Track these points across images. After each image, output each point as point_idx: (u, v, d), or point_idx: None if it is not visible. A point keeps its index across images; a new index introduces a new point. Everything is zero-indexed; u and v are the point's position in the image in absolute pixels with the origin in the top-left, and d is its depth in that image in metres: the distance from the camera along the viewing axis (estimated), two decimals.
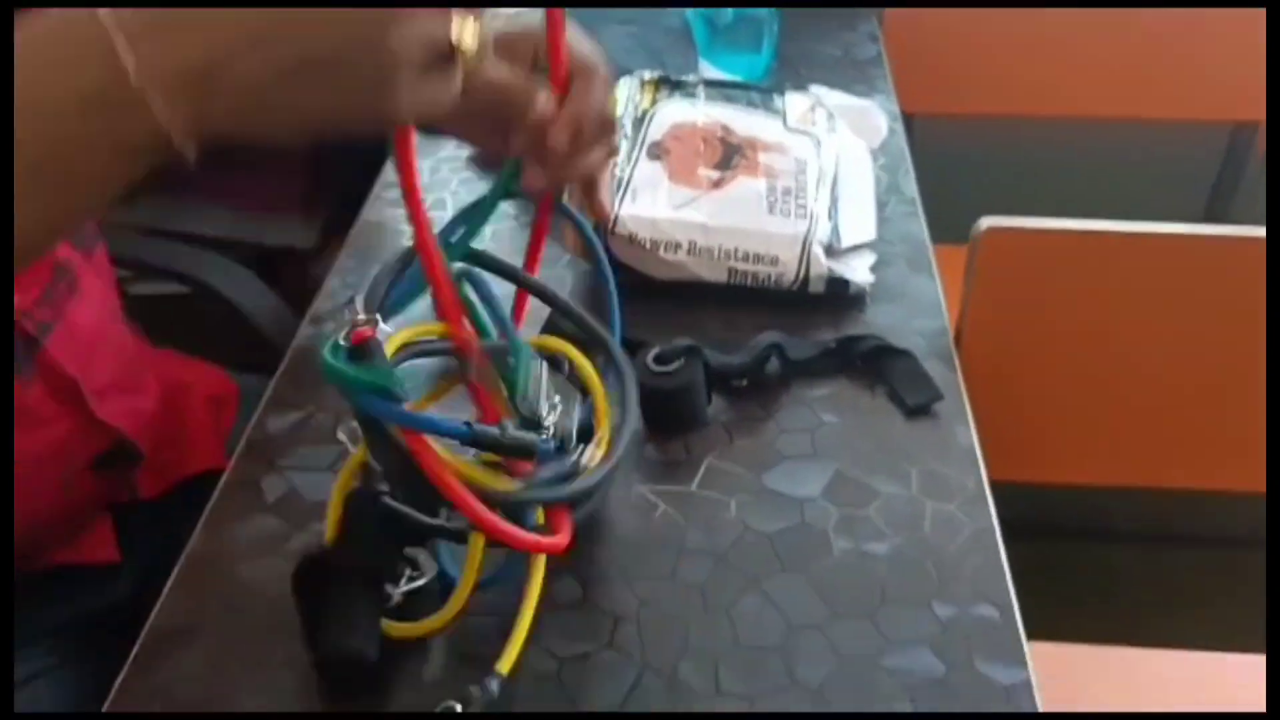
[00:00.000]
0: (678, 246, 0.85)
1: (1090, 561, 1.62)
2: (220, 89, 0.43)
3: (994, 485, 0.72)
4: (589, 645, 0.62)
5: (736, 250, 0.85)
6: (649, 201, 0.87)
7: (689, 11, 1.18)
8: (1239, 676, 0.97)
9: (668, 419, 0.76)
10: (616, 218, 0.85)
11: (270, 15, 0.43)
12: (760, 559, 0.67)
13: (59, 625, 0.79)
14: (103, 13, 0.41)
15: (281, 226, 1.39)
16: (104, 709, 0.60)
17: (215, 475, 0.84)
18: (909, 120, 1.29)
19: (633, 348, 0.79)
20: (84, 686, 0.77)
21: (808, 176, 0.90)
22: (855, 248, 0.89)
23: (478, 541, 0.59)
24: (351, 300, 0.55)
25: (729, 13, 1.16)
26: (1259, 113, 1.46)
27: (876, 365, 0.80)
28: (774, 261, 0.85)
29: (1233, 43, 1.42)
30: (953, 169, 1.39)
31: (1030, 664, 0.61)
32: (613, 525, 0.69)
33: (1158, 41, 1.43)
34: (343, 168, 1.47)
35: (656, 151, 0.91)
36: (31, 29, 0.43)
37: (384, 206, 1.02)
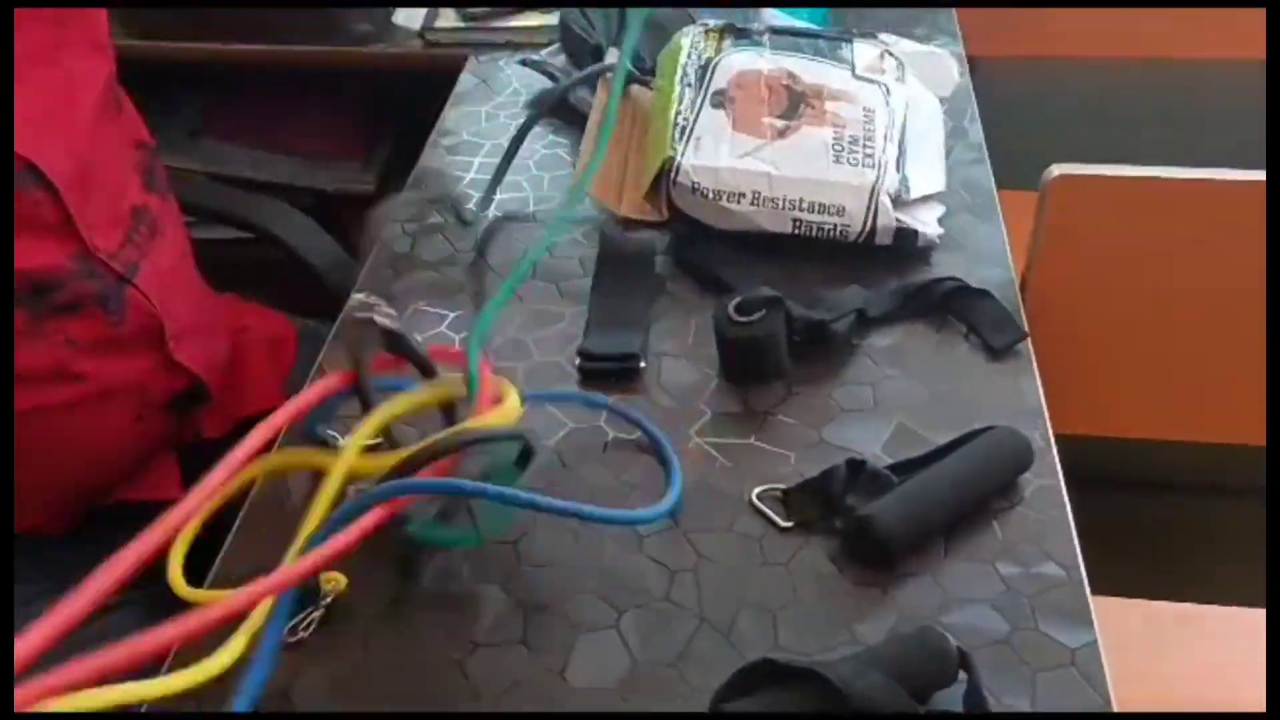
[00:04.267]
0: (741, 196, 0.84)
1: (1143, 514, 1.60)
2: None
3: (1057, 437, 0.71)
4: (645, 598, 0.62)
5: (801, 201, 0.83)
6: (712, 150, 0.85)
7: None
8: None
9: (746, 369, 0.75)
10: (678, 167, 0.84)
11: None
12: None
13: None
14: None
15: (339, 173, 1.39)
16: (207, 580, 0.61)
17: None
18: (974, 64, 1.25)
19: (719, 287, 0.78)
20: (154, 615, 0.79)
21: (875, 125, 0.88)
22: (923, 199, 0.86)
23: None
24: None
25: None
26: None
27: (956, 308, 0.78)
28: (840, 212, 0.83)
29: None
30: (1018, 113, 1.35)
31: (1097, 625, 0.60)
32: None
33: None
34: (399, 115, 1.47)
35: (720, 100, 0.89)
36: None
37: (442, 154, 1.02)
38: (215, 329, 0.87)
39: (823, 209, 0.84)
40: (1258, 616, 0.97)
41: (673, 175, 0.84)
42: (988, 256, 0.85)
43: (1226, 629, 0.96)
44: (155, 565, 0.82)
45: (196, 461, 0.85)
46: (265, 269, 1.14)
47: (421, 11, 1.23)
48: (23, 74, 0.68)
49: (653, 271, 0.84)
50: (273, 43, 1.28)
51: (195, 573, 0.63)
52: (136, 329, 0.77)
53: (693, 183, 0.84)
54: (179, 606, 0.64)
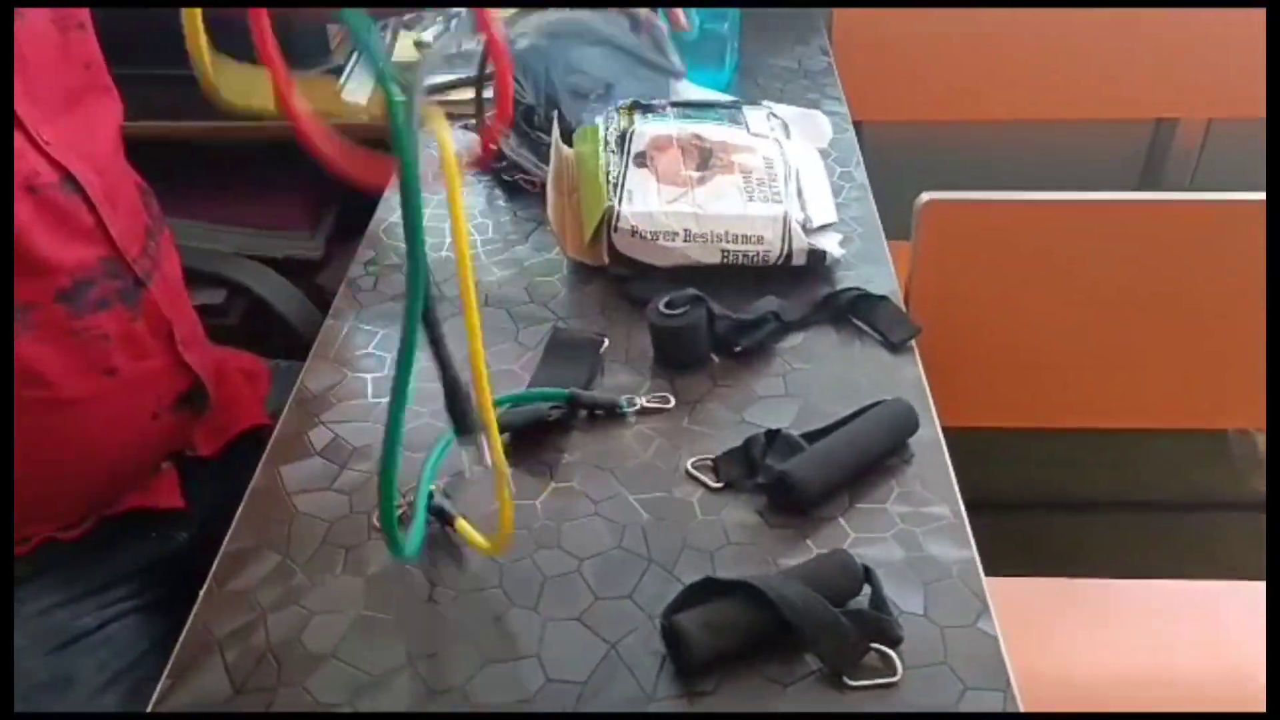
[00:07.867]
0: (675, 235, 0.97)
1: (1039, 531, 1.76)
2: None
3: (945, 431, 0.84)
4: (603, 547, 0.73)
5: (727, 233, 0.97)
6: (643, 199, 0.98)
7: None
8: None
9: (676, 355, 0.89)
10: (618, 215, 0.97)
11: None
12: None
13: (136, 568, 0.91)
14: None
15: (289, 241, 1.50)
16: (191, 614, 0.70)
17: (258, 431, 0.97)
18: (859, 126, 1.42)
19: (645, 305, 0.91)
20: (161, 623, 0.88)
21: (776, 170, 1.03)
22: (823, 227, 1.01)
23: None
24: None
25: (695, 30, 1.29)
26: (1179, 110, 1.62)
27: (859, 312, 0.93)
28: (760, 240, 0.97)
29: (1153, 43, 1.57)
30: (898, 170, 1.53)
31: (973, 545, 0.72)
32: (619, 456, 0.81)
33: (1085, 45, 1.58)
34: (343, 185, 1.58)
35: (642, 160, 1.03)
36: None
37: (392, 208, 1.14)
38: (206, 344, 0.98)
39: (745, 239, 0.97)
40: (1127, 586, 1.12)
41: (613, 223, 0.97)
42: (877, 272, 1.00)
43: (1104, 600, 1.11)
44: (154, 574, 0.91)
45: (194, 476, 0.95)
46: (234, 330, 1.25)
47: (369, 88, 1.37)
48: (60, 108, 0.81)
49: (597, 358, 0.91)
50: (222, 120, 1.39)
51: None
52: (150, 328, 0.87)
53: (632, 226, 0.97)
54: (177, 613, 0.73)
